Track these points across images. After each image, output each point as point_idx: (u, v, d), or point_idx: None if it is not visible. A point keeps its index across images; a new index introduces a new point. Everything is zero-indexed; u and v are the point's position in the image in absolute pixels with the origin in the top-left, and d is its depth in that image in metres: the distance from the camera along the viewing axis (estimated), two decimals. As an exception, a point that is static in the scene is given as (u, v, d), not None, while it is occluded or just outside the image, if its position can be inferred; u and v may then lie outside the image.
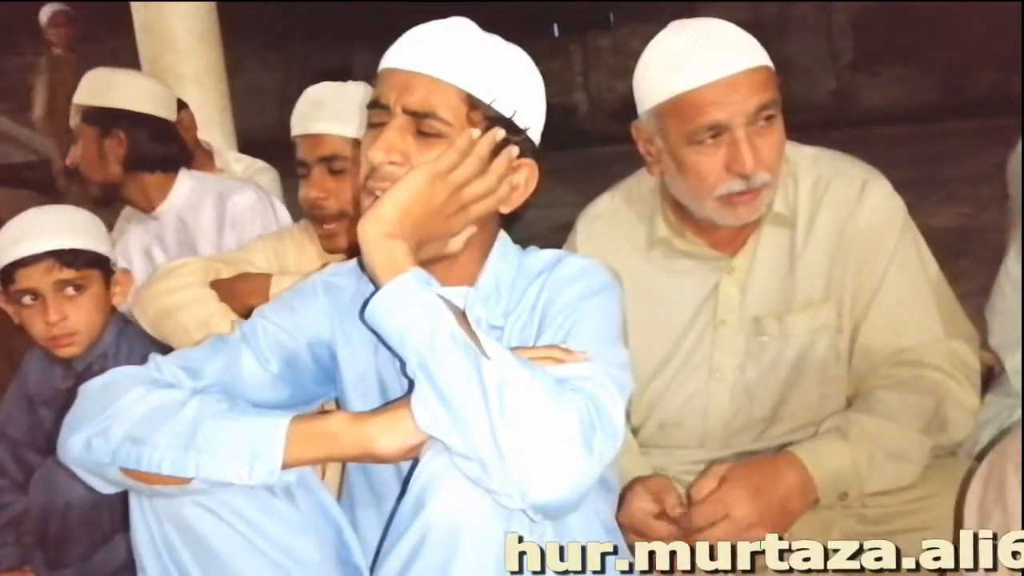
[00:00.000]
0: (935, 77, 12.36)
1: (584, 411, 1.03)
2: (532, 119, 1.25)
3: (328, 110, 1.80)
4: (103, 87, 2.38)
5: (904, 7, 12.37)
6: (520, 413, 1.00)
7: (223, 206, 2.42)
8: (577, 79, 14.91)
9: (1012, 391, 1.49)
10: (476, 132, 1.17)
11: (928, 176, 6.68)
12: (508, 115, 1.21)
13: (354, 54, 15.56)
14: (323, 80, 1.94)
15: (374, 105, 1.22)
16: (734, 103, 1.43)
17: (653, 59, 1.51)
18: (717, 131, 1.44)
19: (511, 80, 1.22)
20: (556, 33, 15.18)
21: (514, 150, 1.21)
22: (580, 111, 14.72)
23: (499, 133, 1.19)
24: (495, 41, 1.24)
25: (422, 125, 1.18)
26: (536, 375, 1.04)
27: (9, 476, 1.90)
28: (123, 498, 1.64)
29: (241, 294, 1.84)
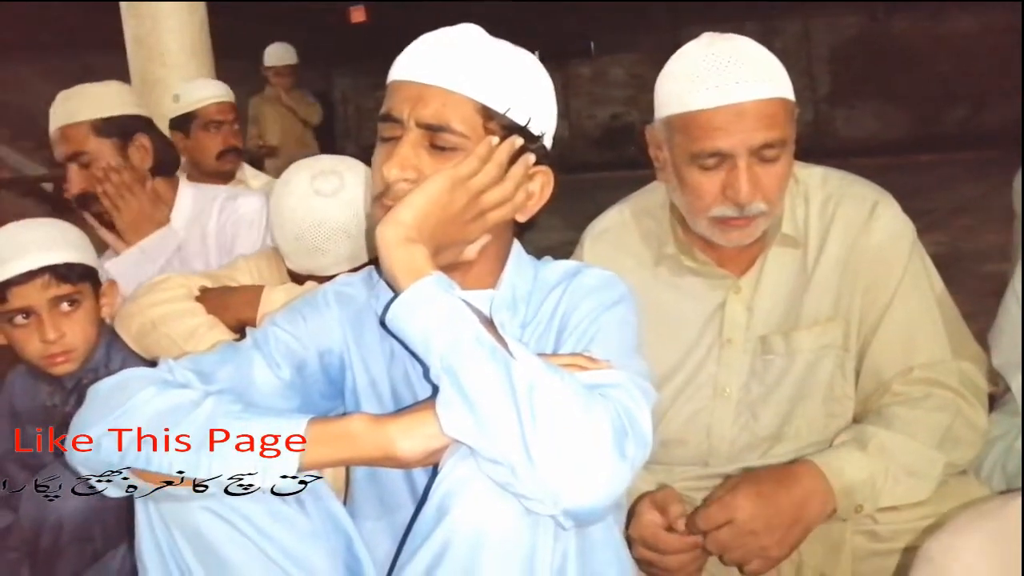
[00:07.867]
0: (909, 111, 12.55)
1: (615, 416, 1.02)
2: (546, 125, 1.24)
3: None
4: (103, 98, 2.24)
5: (879, 42, 12.59)
6: (552, 417, 0.99)
7: (232, 210, 2.36)
8: (557, 107, 14.94)
9: (1017, 410, 1.49)
10: (495, 140, 1.16)
11: (905, 207, 6.77)
12: (523, 123, 1.20)
13: (333, 77, 15.59)
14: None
15: (385, 119, 1.20)
16: (740, 132, 1.42)
17: (675, 70, 1.50)
18: (719, 156, 1.44)
19: (525, 88, 1.21)
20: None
21: (530, 158, 1.21)
22: (560, 139, 14.73)
23: (517, 141, 1.19)
24: (506, 48, 1.23)
25: (436, 139, 1.16)
26: (566, 380, 1.03)
27: (-7, 491, 1.84)
28: (117, 516, 1.59)
29: (233, 306, 1.81)
